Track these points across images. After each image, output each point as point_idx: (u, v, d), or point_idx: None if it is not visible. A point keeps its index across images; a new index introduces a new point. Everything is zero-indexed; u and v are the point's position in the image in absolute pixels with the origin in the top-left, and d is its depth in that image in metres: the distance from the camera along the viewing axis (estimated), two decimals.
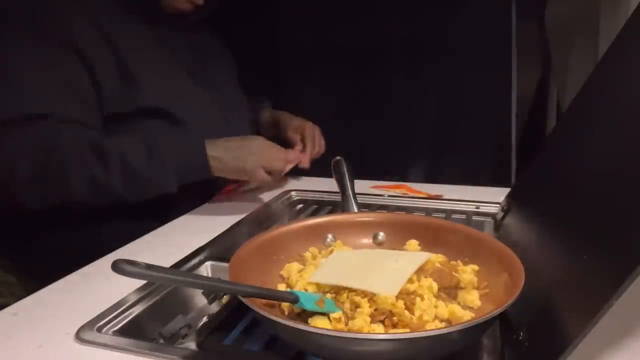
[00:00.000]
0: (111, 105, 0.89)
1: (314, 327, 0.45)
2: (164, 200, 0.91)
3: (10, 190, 0.82)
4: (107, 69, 0.87)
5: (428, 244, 0.63)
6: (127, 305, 0.59)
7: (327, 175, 0.87)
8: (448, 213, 0.93)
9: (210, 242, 0.78)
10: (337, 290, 0.53)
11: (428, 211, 0.94)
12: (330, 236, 0.67)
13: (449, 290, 0.55)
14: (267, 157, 0.92)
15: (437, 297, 0.52)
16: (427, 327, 0.47)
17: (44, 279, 0.68)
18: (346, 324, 0.48)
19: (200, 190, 1.00)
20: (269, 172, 0.92)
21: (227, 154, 0.89)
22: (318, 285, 0.54)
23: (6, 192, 0.83)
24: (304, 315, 0.50)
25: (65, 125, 0.83)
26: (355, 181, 0.81)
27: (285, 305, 0.51)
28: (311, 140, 1.09)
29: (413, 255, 0.59)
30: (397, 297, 0.49)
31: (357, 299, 0.49)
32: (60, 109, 0.84)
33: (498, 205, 0.83)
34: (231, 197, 1.04)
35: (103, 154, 0.83)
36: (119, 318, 0.57)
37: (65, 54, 0.85)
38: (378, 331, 0.47)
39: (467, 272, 0.55)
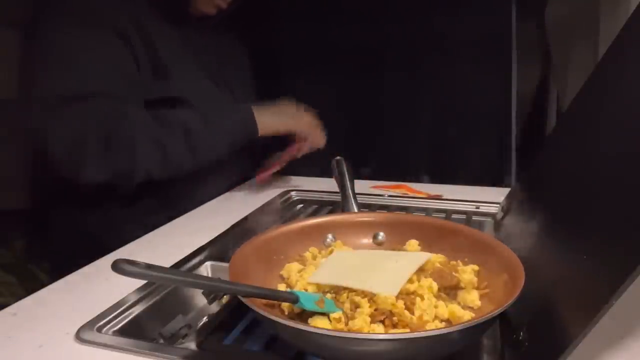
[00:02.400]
0: (145, 91, 0.94)
1: (314, 327, 0.45)
2: (167, 197, 0.95)
3: (77, 163, 0.85)
4: (144, 60, 0.93)
5: (428, 244, 0.63)
6: (127, 305, 0.59)
7: (327, 175, 0.87)
8: (448, 213, 0.93)
9: (210, 242, 0.78)
10: (337, 290, 0.53)
11: (428, 211, 0.94)
12: (330, 236, 0.67)
13: (449, 290, 0.55)
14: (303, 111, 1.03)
15: (437, 297, 0.52)
16: (427, 327, 0.47)
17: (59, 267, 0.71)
18: (346, 324, 0.48)
19: (201, 189, 1.01)
20: None
21: (270, 111, 0.99)
22: (318, 285, 0.54)
23: (72, 166, 0.86)
24: (304, 315, 0.50)
25: (123, 101, 0.88)
26: (355, 181, 0.81)
27: (285, 305, 0.51)
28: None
29: (413, 256, 0.59)
30: (397, 297, 0.49)
31: (357, 299, 0.49)
32: (115, 90, 0.88)
33: (498, 205, 0.83)
34: (269, 178, 1.10)
35: (166, 120, 0.90)
36: (119, 318, 0.57)
37: (117, 42, 0.90)
38: (378, 331, 0.47)
39: (467, 272, 0.55)
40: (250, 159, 1.18)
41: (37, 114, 0.87)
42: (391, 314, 0.48)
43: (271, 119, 0.98)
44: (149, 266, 0.40)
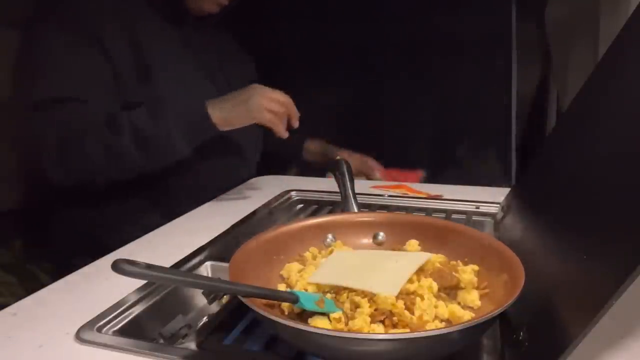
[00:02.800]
0: (127, 95, 0.94)
1: (314, 327, 0.45)
2: (167, 197, 0.96)
3: (41, 168, 0.90)
4: (127, 63, 0.94)
5: (428, 244, 0.63)
6: (127, 305, 0.59)
7: (327, 175, 0.87)
8: (448, 213, 0.93)
9: (210, 242, 0.78)
10: (337, 290, 0.53)
11: (428, 211, 0.94)
12: (330, 236, 0.67)
13: (449, 290, 0.55)
14: (267, 98, 0.92)
15: (437, 297, 0.52)
16: (427, 327, 0.47)
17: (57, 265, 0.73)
18: (346, 324, 0.48)
19: (201, 190, 1.01)
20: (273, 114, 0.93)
21: (227, 103, 0.92)
22: (318, 285, 0.54)
23: (39, 170, 0.91)
24: (304, 315, 0.50)
25: (85, 106, 0.90)
26: (355, 181, 0.81)
27: (285, 305, 0.51)
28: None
29: (413, 256, 0.59)
30: (397, 297, 0.49)
31: (357, 299, 0.49)
32: (83, 94, 0.90)
33: (498, 205, 0.83)
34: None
35: (115, 122, 0.89)
36: (119, 318, 0.57)
37: (90, 47, 0.91)
38: (378, 331, 0.47)
39: (467, 272, 0.55)
40: (249, 160, 1.18)
41: (14, 116, 0.92)
42: (391, 314, 0.48)
43: (231, 113, 0.91)
44: (149, 266, 0.40)
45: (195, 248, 0.76)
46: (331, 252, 0.62)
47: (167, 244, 0.79)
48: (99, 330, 0.54)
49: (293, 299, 0.48)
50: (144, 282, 0.62)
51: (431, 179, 1.13)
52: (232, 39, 1.19)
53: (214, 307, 0.65)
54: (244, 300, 0.46)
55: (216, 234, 0.81)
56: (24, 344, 0.52)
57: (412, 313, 0.48)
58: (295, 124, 0.97)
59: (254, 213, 0.93)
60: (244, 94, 0.92)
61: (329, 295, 0.53)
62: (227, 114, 0.91)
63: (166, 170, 0.96)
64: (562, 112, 1.33)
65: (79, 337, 0.53)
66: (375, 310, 0.49)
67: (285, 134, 0.95)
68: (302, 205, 1.03)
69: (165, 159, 0.92)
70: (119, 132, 0.88)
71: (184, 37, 1.02)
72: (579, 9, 1.19)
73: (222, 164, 1.08)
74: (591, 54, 1.14)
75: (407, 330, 0.47)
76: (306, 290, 0.54)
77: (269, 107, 0.91)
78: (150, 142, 0.89)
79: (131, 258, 0.40)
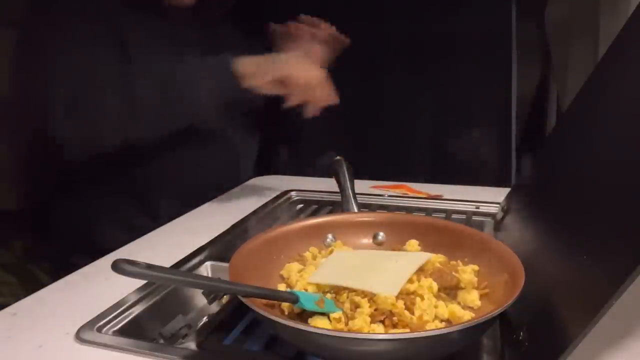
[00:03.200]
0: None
1: (314, 327, 0.45)
2: (166, 197, 0.96)
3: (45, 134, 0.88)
4: (109, 60, 0.91)
5: (428, 244, 0.63)
6: (127, 305, 0.59)
7: (327, 175, 0.87)
8: (448, 213, 0.93)
9: (210, 242, 0.78)
10: (337, 290, 0.53)
11: (428, 211, 0.94)
12: (330, 236, 0.67)
13: (449, 290, 0.55)
14: (300, 67, 0.89)
15: (437, 297, 0.52)
16: (427, 327, 0.47)
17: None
18: (346, 324, 0.48)
19: (200, 190, 1.01)
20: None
21: (258, 58, 0.88)
22: (318, 285, 0.54)
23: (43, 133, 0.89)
24: (304, 315, 0.50)
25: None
26: (355, 181, 0.81)
27: (285, 305, 0.51)
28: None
29: (413, 256, 0.59)
30: (397, 297, 0.49)
31: (357, 299, 0.49)
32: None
33: (498, 205, 0.83)
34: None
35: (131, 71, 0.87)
36: (119, 318, 0.57)
37: (76, 43, 0.89)
38: (378, 331, 0.47)
39: (467, 272, 0.55)
40: (248, 160, 1.18)
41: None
42: (391, 314, 0.48)
43: (258, 67, 0.86)
44: (149, 266, 0.40)
45: (195, 248, 0.76)
46: (331, 252, 0.62)
47: (167, 244, 0.79)
48: (99, 330, 0.54)
49: (293, 299, 0.48)
50: (144, 282, 0.62)
51: (431, 179, 1.13)
52: (236, 35, 1.18)
53: (214, 307, 0.65)
54: (244, 300, 0.46)
55: (216, 234, 0.81)
56: (24, 344, 0.52)
57: (412, 313, 0.48)
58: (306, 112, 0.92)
59: (254, 213, 0.93)
60: (281, 56, 0.90)
61: (329, 295, 0.53)
62: (253, 66, 0.86)
63: (165, 171, 0.96)
64: (562, 112, 1.33)
65: (79, 337, 0.53)
66: (375, 310, 0.49)
67: (286, 106, 0.89)
68: (302, 205, 1.02)
69: (188, 110, 0.88)
70: (139, 79, 0.85)
71: (176, 34, 1.01)
72: (579, 9, 1.19)
73: (221, 163, 1.08)
74: (591, 54, 1.14)
75: (407, 330, 0.47)
76: (306, 290, 0.54)
77: (297, 76, 0.87)
78: (170, 87, 0.85)
79: (131, 258, 0.40)
